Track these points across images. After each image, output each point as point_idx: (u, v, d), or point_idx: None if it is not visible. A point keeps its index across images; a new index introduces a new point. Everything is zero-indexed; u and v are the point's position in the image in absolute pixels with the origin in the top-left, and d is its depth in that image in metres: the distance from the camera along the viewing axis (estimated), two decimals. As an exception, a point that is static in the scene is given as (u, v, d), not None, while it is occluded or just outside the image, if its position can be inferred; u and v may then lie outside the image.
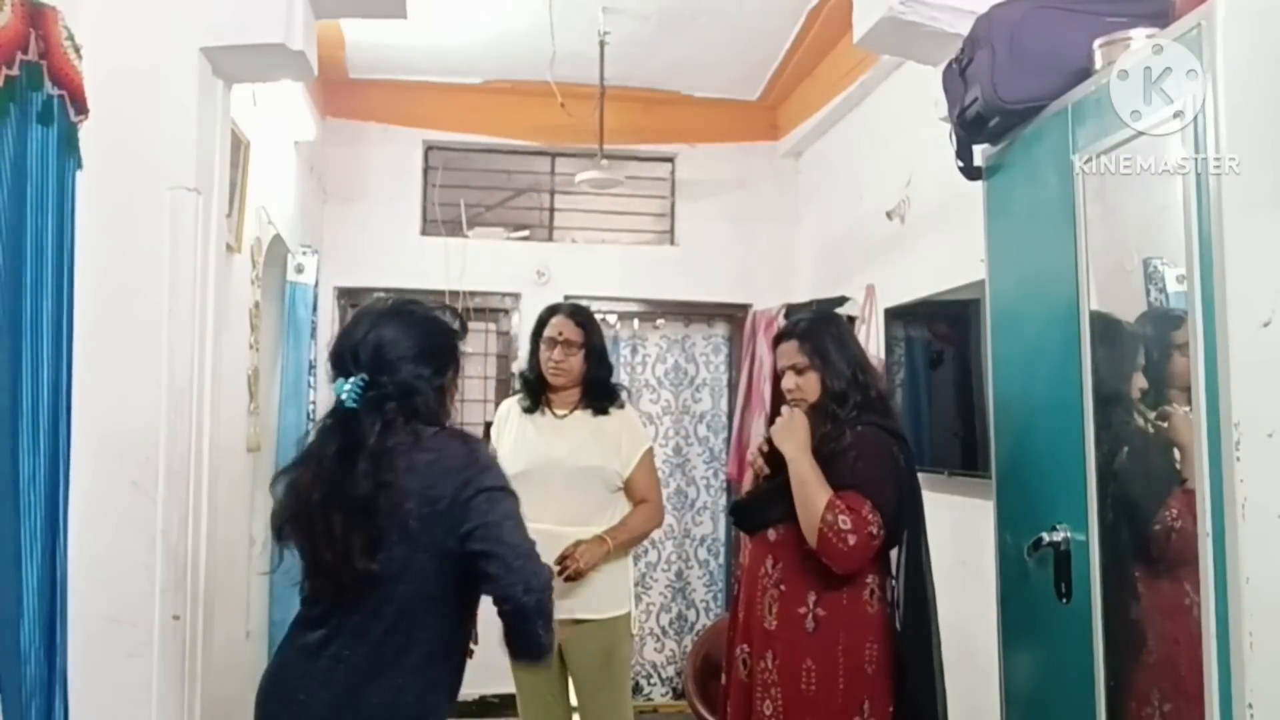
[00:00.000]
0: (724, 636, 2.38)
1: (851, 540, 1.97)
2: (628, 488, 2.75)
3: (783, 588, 2.10)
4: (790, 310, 4.16)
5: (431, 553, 1.62)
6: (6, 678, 1.66)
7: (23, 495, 1.72)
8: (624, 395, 2.84)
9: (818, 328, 2.25)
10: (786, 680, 2.04)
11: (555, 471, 2.65)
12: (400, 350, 1.69)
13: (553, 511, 2.59)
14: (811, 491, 2.03)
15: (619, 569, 2.72)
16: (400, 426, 1.65)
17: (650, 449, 2.82)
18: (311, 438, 1.72)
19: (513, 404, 2.85)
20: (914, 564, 2.11)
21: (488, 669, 2.83)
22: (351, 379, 1.65)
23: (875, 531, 2.01)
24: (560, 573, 2.51)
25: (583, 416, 2.75)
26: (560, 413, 2.76)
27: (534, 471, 2.62)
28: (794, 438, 2.11)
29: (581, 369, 2.73)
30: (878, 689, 2.05)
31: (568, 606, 2.59)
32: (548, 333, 2.74)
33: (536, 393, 2.78)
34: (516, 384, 2.85)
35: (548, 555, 2.54)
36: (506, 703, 2.88)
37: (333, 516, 1.59)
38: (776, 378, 2.32)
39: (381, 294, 4.66)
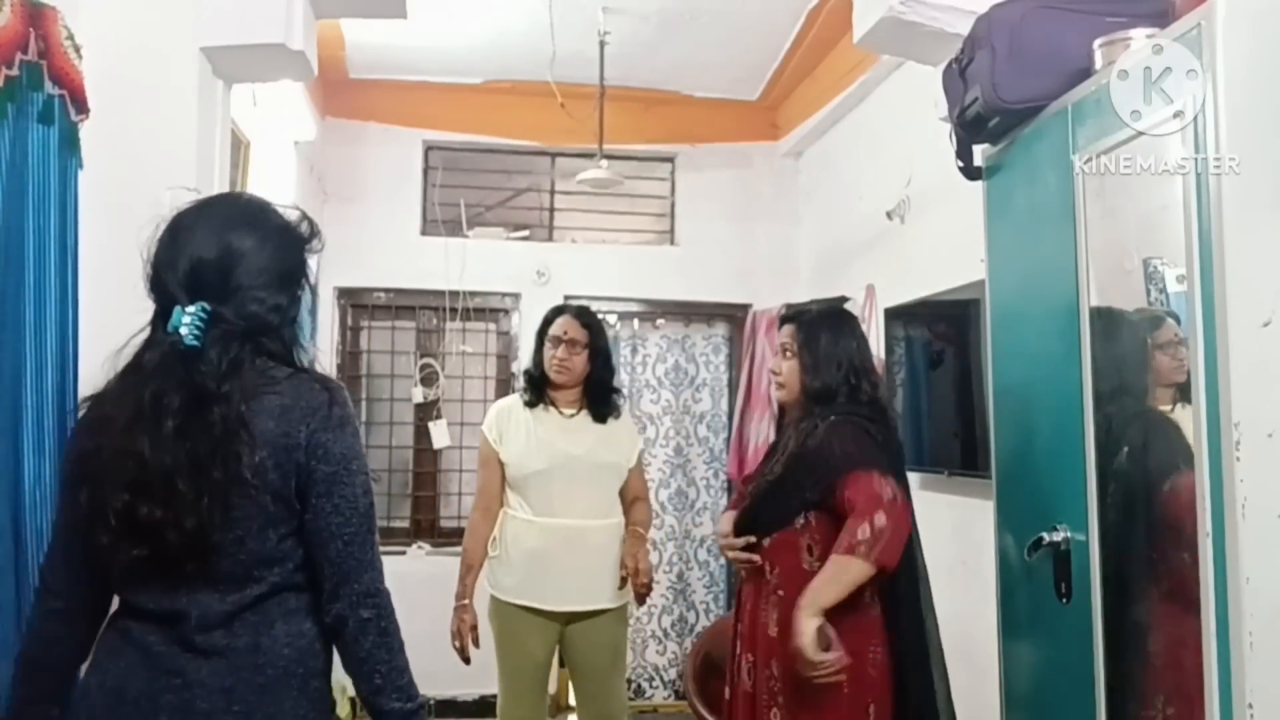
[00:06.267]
0: (724, 637, 2.36)
1: (879, 534, 1.87)
2: (624, 485, 2.86)
3: (781, 593, 2.07)
4: (790, 310, 4.15)
5: (284, 502, 1.34)
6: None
7: (26, 496, 1.71)
8: (622, 404, 2.93)
9: (819, 322, 2.21)
10: (791, 688, 2.02)
11: (577, 468, 2.74)
12: (253, 274, 1.35)
13: (577, 507, 2.74)
14: (838, 579, 1.92)
15: (619, 556, 2.83)
16: (248, 366, 1.34)
17: (642, 452, 2.99)
18: (126, 382, 1.34)
19: (514, 401, 2.89)
20: (906, 559, 2.06)
21: (488, 669, 2.84)
22: (190, 309, 1.29)
23: (890, 496, 1.91)
24: (640, 599, 2.74)
25: (586, 418, 2.84)
26: (568, 412, 2.83)
27: (555, 469, 2.73)
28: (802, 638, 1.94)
29: (584, 369, 2.80)
30: (882, 691, 2.03)
31: (577, 597, 2.71)
32: (553, 331, 2.80)
33: (539, 389, 2.84)
34: (520, 380, 2.94)
35: (574, 548, 2.72)
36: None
37: (179, 480, 1.27)
38: None
39: (380, 293, 4.69)
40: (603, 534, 2.77)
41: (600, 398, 2.83)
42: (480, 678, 3.07)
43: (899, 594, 2.08)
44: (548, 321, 2.84)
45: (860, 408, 2.13)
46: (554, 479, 2.72)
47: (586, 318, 2.84)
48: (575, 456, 2.75)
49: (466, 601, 2.73)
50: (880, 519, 1.89)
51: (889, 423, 2.19)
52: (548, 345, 2.80)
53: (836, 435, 2.05)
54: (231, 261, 1.34)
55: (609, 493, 2.82)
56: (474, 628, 2.72)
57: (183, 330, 1.29)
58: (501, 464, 2.79)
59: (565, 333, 2.78)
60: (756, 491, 2.20)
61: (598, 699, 2.81)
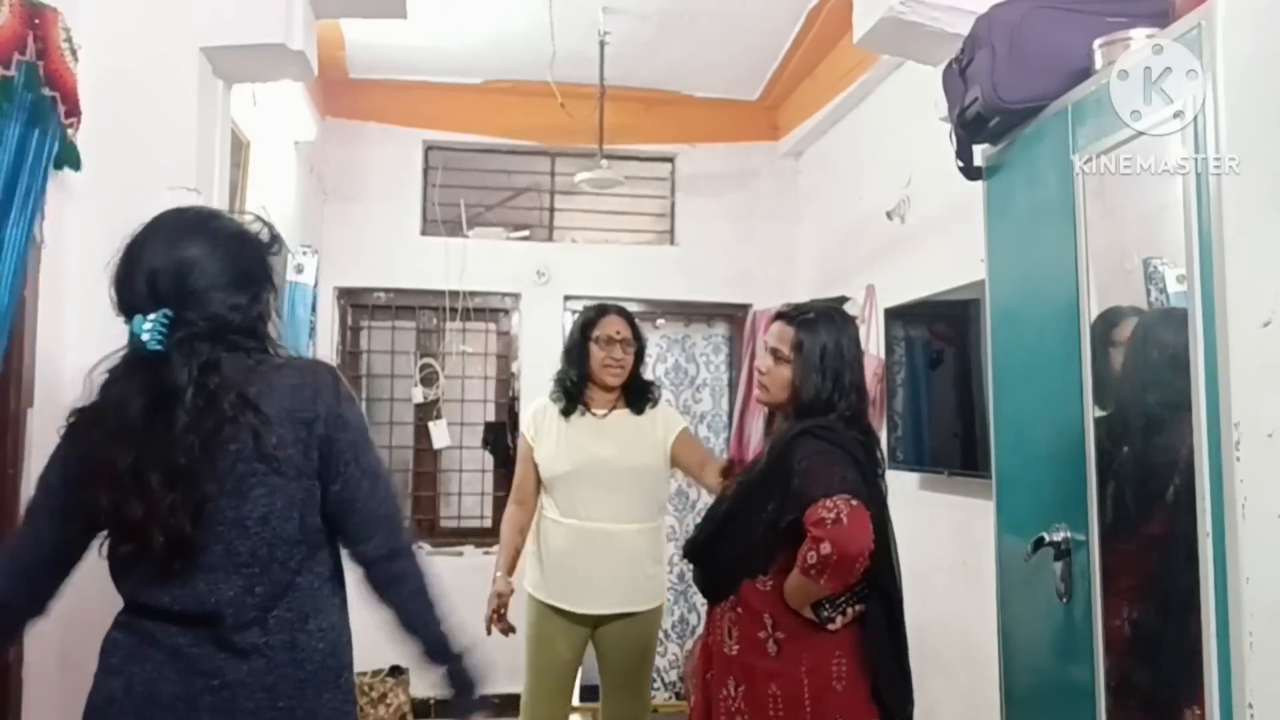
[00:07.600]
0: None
1: (824, 559, 1.81)
2: (683, 461, 2.81)
3: (739, 610, 2.03)
4: (786, 309, 4.15)
5: (307, 477, 1.40)
6: None
7: None
8: (658, 393, 2.93)
9: (820, 328, 2.09)
10: (752, 708, 1.97)
11: (604, 471, 2.72)
12: (209, 277, 1.40)
13: (601, 510, 2.71)
14: (800, 591, 1.93)
15: (661, 557, 2.83)
16: (226, 359, 1.38)
17: (687, 427, 2.90)
18: (102, 388, 1.39)
19: (548, 403, 2.86)
20: (881, 566, 1.97)
21: (492, 670, 2.84)
22: (152, 316, 1.35)
23: (834, 518, 1.81)
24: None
25: (623, 415, 2.82)
26: (600, 413, 2.81)
27: (582, 472, 2.71)
28: None
29: (631, 367, 2.82)
30: (850, 705, 1.97)
31: (604, 601, 2.71)
32: (602, 332, 2.78)
33: (576, 396, 2.80)
34: (553, 389, 2.86)
35: (600, 552, 2.70)
36: (507, 703, 2.87)
37: (148, 477, 1.31)
38: None
39: (380, 293, 4.69)
40: (632, 538, 2.73)
41: (639, 392, 2.84)
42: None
43: (872, 607, 1.99)
44: (589, 323, 2.80)
45: (835, 420, 2.02)
46: (580, 481, 2.71)
47: (629, 316, 2.85)
48: (603, 460, 2.72)
49: (499, 573, 2.73)
50: (825, 547, 1.81)
51: (868, 434, 2.10)
52: (596, 346, 2.77)
53: (804, 459, 1.94)
54: (185, 269, 1.39)
55: (640, 497, 2.77)
56: (501, 595, 2.67)
57: (144, 336, 1.34)
58: (536, 463, 2.80)
59: (618, 332, 2.77)
60: (730, 505, 2.12)
61: (620, 699, 2.82)
